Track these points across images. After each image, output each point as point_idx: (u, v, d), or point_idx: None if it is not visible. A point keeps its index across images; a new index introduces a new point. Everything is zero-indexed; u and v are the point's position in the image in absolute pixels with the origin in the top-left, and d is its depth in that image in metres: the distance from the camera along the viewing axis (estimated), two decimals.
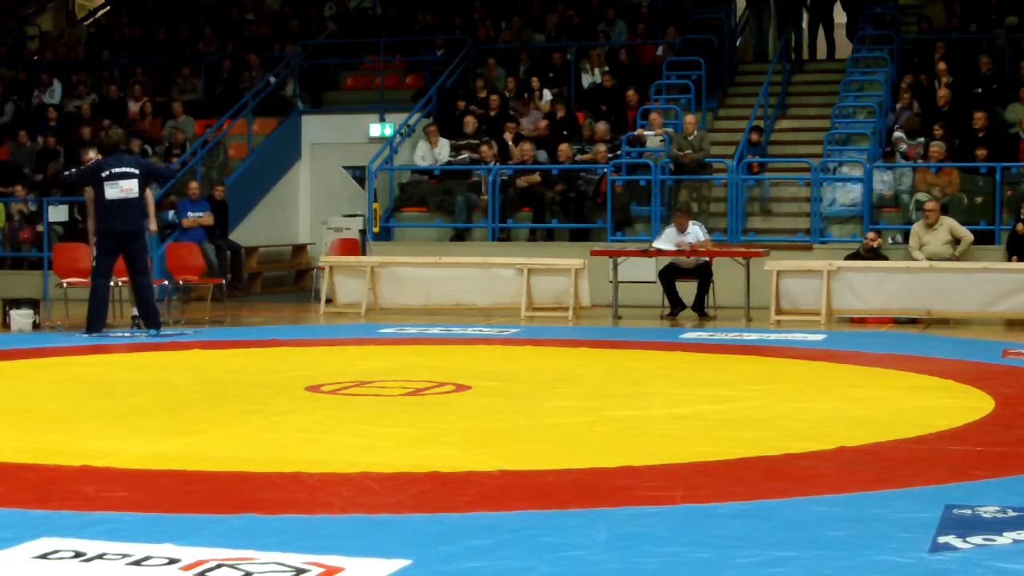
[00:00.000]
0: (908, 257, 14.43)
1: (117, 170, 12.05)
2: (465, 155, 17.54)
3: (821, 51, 20.80)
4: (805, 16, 20.71)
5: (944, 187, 15.69)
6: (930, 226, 14.46)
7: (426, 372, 9.37)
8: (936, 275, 13.61)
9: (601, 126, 17.43)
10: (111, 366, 10.18)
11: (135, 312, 12.70)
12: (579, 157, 17.09)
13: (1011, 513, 4.82)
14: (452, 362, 10.25)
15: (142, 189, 12.12)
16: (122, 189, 11.99)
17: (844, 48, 20.37)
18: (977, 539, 4.44)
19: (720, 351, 10.96)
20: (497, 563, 4.20)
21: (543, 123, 17.68)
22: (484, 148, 17.18)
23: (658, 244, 14.28)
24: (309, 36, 21.70)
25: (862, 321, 13.77)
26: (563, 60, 19.67)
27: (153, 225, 12.93)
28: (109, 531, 4.58)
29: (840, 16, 20.56)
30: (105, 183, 12.00)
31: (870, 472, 5.74)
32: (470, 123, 17.83)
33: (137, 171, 12.11)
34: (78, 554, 4.24)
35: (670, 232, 14.32)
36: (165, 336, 12.07)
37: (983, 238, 15.12)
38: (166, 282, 14.69)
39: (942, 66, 17.46)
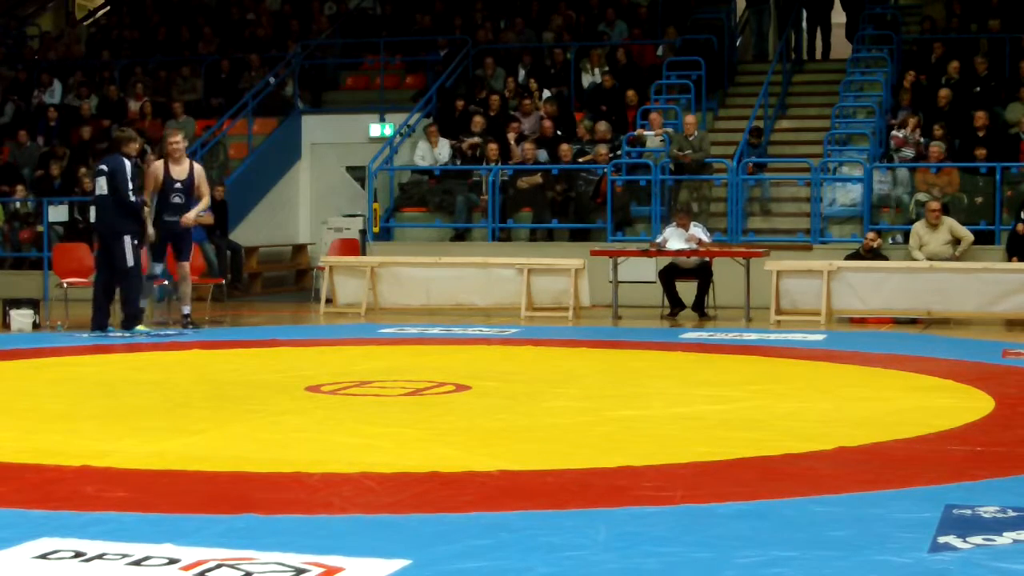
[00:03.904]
0: (908, 257, 14.43)
1: (99, 167, 12.51)
2: (476, 140, 17.44)
3: (818, 52, 20.78)
4: (804, 16, 20.68)
5: (944, 187, 15.69)
6: (933, 226, 14.46)
7: (426, 372, 9.37)
8: (936, 275, 13.60)
9: (601, 126, 17.41)
10: (111, 366, 10.18)
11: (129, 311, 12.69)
12: (581, 160, 17.07)
13: (1011, 513, 4.82)
14: (452, 362, 10.24)
15: (111, 187, 12.23)
16: (97, 186, 12.38)
17: (843, 48, 20.36)
18: (977, 539, 4.43)
19: (720, 351, 10.95)
20: (497, 563, 4.20)
21: (547, 123, 17.66)
22: (491, 146, 17.15)
23: (666, 239, 14.20)
24: (309, 36, 21.70)
25: (862, 321, 13.76)
26: (563, 60, 19.66)
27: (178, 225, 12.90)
28: (109, 531, 4.57)
29: (839, 16, 20.55)
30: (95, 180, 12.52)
31: (870, 472, 5.74)
32: (478, 122, 17.82)
33: (106, 169, 12.31)
34: (78, 554, 4.24)
35: (675, 230, 14.28)
36: (165, 336, 12.08)
37: (983, 238, 15.11)
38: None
39: (954, 64, 17.41)
